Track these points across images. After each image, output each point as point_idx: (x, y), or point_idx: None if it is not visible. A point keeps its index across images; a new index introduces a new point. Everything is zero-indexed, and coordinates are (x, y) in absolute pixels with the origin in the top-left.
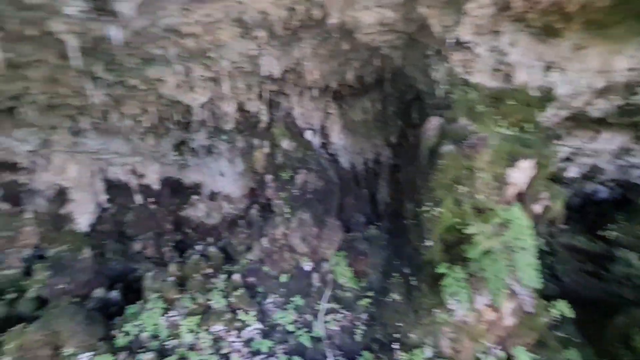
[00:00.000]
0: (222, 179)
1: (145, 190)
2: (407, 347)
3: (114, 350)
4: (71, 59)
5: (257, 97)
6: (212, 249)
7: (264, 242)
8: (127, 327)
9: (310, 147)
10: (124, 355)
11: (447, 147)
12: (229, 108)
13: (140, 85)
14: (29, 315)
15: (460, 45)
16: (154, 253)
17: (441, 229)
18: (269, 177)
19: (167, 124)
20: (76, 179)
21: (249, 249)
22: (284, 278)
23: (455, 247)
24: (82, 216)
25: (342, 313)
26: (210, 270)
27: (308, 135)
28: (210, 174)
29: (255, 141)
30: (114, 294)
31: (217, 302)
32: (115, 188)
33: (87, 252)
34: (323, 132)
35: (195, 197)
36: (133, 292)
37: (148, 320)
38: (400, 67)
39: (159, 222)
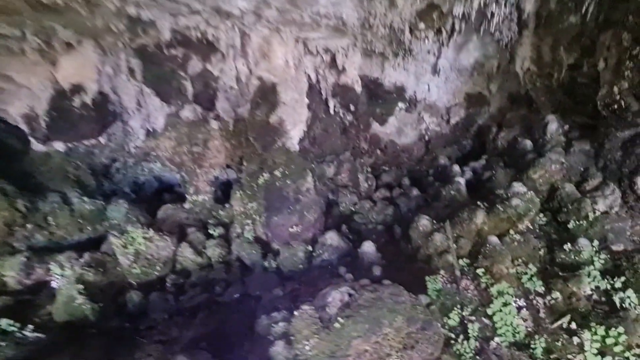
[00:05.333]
0: (432, 79)
1: (341, 93)
2: None
3: None
4: None
5: None
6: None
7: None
8: None
9: None
10: None
11: None
12: None
13: None
14: None
15: None
16: (349, 180)
17: None
18: None
19: None
20: (283, 69)
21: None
22: None
23: None
24: (295, 128)
25: None
26: (522, 226)
27: None
28: (416, 71)
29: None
30: (369, 247)
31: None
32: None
33: (309, 181)
34: None
35: (400, 104)
36: None
37: (502, 316)
38: None
39: (353, 138)
